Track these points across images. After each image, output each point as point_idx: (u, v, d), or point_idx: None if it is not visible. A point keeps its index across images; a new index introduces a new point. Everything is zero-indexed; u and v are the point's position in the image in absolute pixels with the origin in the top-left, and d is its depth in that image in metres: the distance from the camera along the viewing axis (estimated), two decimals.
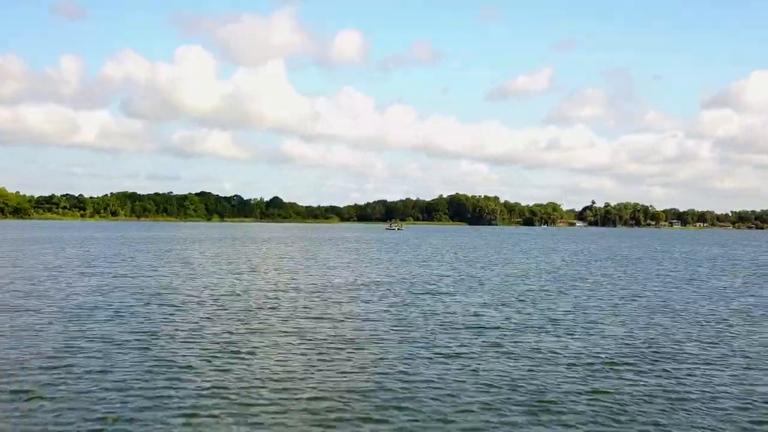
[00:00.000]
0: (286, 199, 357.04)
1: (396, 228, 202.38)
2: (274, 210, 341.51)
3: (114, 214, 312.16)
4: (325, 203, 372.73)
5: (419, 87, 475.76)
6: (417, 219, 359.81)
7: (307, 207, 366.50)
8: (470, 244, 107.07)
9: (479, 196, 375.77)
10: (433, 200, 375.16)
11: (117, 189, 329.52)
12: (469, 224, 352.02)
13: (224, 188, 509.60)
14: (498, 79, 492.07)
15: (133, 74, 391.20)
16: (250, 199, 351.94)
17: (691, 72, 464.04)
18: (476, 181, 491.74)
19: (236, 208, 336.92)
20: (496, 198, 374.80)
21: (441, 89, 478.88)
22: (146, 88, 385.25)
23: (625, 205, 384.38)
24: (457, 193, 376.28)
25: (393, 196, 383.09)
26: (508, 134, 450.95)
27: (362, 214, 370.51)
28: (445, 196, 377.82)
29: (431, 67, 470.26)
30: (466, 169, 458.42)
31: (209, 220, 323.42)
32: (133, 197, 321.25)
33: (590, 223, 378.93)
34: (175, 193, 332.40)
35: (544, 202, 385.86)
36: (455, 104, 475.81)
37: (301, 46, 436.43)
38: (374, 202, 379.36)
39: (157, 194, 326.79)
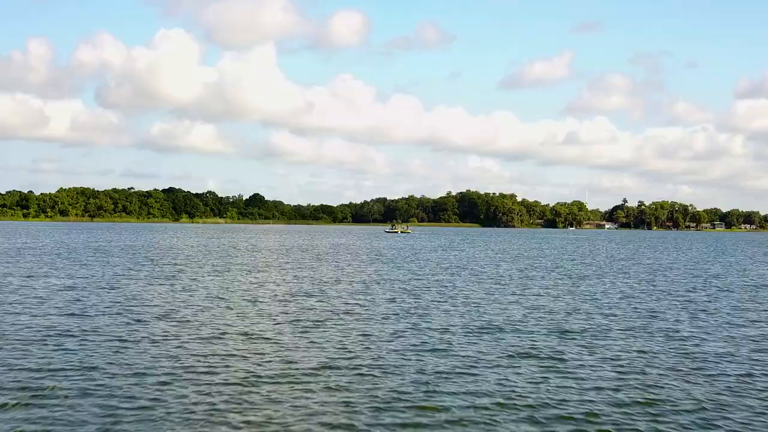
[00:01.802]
0: (274, 198, 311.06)
1: (400, 230, 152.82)
2: (254, 209, 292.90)
3: (63, 213, 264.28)
4: (318, 203, 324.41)
5: (425, 74, 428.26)
6: (422, 220, 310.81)
7: (294, 206, 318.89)
8: (545, 258, 56.98)
9: (493, 193, 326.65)
10: (440, 198, 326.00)
11: (92, 188, 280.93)
12: (483, 226, 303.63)
13: (208, 186, 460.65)
14: (512, 65, 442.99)
15: (107, 60, 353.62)
16: (228, 197, 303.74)
17: (726, 59, 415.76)
18: (486, 179, 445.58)
19: (209, 207, 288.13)
20: (512, 196, 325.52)
21: (449, 76, 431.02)
22: (122, 75, 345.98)
23: (662, 204, 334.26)
24: (468, 190, 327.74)
25: (394, 195, 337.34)
26: (522, 127, 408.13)
27: (358, 214, 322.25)
28: (453, 193, 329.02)
29: (438, 52, 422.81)
30: (476, 164, 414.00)
31: (176, 220, 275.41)
32: (86, 194, 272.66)
33: (621, 225, 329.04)
34: (137, 189, 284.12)
35: (569, 201, 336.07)
36: (464, 93, 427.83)
37: (294, 29, 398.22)
38: (372, 200, 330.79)
39: (115, 190, 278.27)
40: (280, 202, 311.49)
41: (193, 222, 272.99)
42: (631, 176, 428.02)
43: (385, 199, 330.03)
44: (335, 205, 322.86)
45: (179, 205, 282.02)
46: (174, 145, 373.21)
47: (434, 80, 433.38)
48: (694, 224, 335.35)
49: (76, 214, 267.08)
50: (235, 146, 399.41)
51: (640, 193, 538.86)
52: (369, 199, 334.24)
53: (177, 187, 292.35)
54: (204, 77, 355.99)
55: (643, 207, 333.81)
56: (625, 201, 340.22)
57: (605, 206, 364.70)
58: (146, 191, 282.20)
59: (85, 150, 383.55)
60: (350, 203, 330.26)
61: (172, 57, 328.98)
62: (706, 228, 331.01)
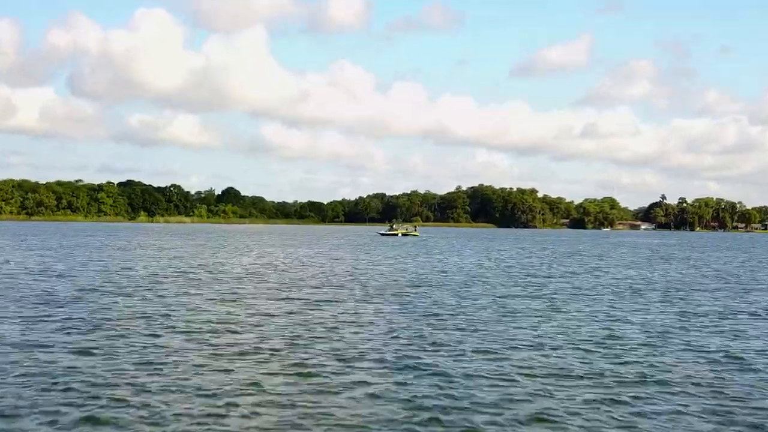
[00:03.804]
0: (260, 195, 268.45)
1: (401, 233, 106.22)
2: (227, 206, 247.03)
3: None
4: (312, 200, 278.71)
5: (430, 60, 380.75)
6: (426, 219, 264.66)
7: (278, 203, 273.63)
8: None
9: (510, 188, 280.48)
10: (448, 194, 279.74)
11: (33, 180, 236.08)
12: (499, 226, 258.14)
13: (192, 183, 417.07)
14: (525, 50, 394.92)
15: (82, 44, 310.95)
16: (199, 192, 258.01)
17: (762, 44, 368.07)
18: (496, 174, 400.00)
19: (173, 204, 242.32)
20: (533, 191, 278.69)
21: (456, 63, 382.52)
22: (98, 61, 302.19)
23: (706, 202, 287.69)
24: (481, 185, 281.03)
25: (394, 192, 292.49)
26: (535, 118, 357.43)
27: (353, 212, 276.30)
28: (464, 188, 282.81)
29: (446, 36, 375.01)
30: (484, 159, 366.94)
31: (133, 219, 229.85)
32: (23, 187, 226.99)
33: (660, 225, 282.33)
34: (86, 181, 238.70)
35: (599, 197, 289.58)
36: (472, 81, 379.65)
37: (287, 10, 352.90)
38: (369, 196, 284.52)
39: (59, 183, 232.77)
40: (261, 199, 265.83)
41: (152, 221, 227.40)
42: (653, 172, 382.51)
43: (384, 194, 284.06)
44: (325, 203, 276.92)
45: (136, 201, 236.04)
46: (155, 137, 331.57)
47: (439, 67, 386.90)
48: (743, 224, 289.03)
49: (11, 212, 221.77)
50: (221, 139, 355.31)
51: (661, 190, 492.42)
52: (365, 196, 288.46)
53: (137, 180, 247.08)
54: (188, 63, 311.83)
55: (684, 205, 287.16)
56: (663, 198, 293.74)
57: (626, 204, 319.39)
58: (97, 184, 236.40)
59: (57, 143, 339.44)
60: (343, 200, 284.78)
61: (153, 40, 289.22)
62: (758, 229, 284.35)
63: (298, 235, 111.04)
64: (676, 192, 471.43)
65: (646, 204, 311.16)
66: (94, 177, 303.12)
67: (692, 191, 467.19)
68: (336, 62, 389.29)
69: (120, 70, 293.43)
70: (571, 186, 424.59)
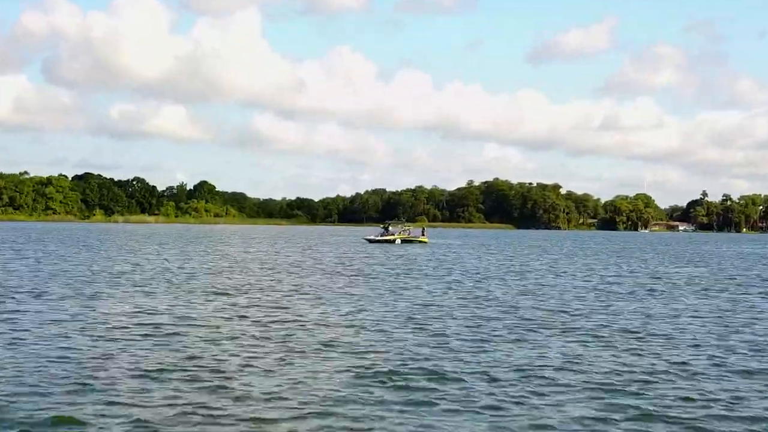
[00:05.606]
0: (249, 192, 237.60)
1: (399, 237, 69.75)
2: (199, 203, 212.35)
3: None
4: (307, 197, 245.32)
5: (437, 46, 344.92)
6: (433, 219, 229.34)
7: (263, 200, 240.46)
8: None
9: (530, 183, 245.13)
10: (459, 190, 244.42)
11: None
12: (517, 226, 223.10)
13: (177, 179, 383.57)
14: (542, 34, 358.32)
15: (59, 27, 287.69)
16: (170, 187, 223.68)
17: None
18: (507, 170, 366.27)
19: (136, 200, 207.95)
20: (556, 187, 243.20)
21: (466, 47, 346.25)
22: (76, 46, 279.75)
23: (753, 200, 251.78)
24: (496, 179, 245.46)
25: (395, 188, 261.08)
26: (551, 109, 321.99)
27: (349, 210, 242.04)
28: (477, 183, 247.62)
29: (455, 18, 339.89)
30: (494, 154, 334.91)
31: (87, 218, 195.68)
32: None
33: (701, 226, 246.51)
34: (32, 174, 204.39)
35: (631, 194, 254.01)
36: (483, 68, 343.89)
37: None
38: (367, 192, 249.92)
39: (0, 176, 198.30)
40: (242, 195, 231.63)
41: (109, 221, 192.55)
42: (677, 168, 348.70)
43: (385, 190, 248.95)
44: (316, 200, 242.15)
45: (92, 197, 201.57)
46: (138, 130, 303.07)
47: (447, 53, 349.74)
48: None
49: None
50: (210, 132, 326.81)
51: (685, 187, 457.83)
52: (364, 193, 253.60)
53: (96, 173, 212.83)
54: (174, 49, 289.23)
55: (729, 203, 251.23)
56: (704, 195, 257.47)
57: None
58: (45, 177, 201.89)
59: (31, 135, 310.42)
60: (337, 196, 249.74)
61: (137, 24, 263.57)
62: None
63: (252, 240, 75.88)
64: (699, 189, 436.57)
65: (672, 203, 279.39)
66: (71, 173, 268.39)
67: (720, 189, 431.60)
68: (335, 48, 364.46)
69: (100, 56, 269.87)
70: (589, 183, 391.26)
